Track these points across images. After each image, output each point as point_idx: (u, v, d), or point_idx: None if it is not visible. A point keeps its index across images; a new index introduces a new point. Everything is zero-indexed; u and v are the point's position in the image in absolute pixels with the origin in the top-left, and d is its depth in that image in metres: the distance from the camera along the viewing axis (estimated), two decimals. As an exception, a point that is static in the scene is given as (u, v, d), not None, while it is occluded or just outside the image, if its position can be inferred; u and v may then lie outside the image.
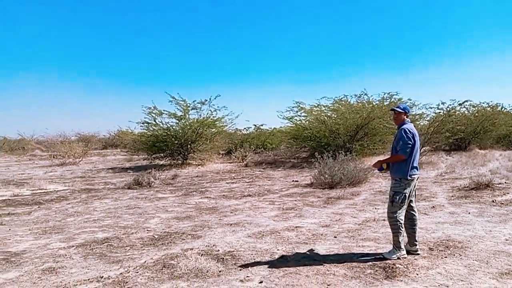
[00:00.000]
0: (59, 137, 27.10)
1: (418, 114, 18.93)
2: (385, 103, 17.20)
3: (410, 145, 4.11)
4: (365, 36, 61.83)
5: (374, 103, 16.61)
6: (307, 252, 4.50)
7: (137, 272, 3.96)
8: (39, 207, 8.01)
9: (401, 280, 3.54)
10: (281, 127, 22.66)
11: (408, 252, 4.23)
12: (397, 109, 4.38)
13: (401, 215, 4.17)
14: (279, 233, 5.45)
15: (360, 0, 60.21)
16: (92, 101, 63.93)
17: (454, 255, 4.23)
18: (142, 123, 16.83)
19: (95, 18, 58.65)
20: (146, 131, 17.25)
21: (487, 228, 5.33)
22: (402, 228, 4.18)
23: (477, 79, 57.17)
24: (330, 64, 63.05)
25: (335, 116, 16.84)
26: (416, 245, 4.28)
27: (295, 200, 8.10)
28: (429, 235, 5.04)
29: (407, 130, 4.17)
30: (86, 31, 58.37)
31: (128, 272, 3.97)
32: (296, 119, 17.85)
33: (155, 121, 16.68)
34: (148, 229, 5.90)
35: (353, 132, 15.88)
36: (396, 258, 4.08)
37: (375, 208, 6.94)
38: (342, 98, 17.58)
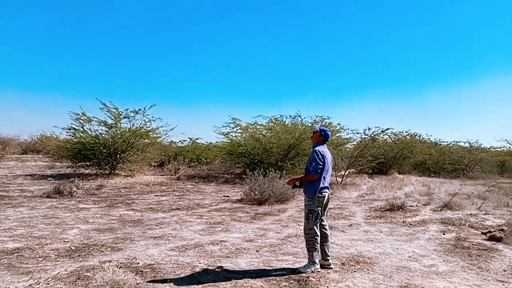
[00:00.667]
0: (-29, 138, 24.55)
1: (346, 138, 20.21)
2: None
3: (321, 166, 4.42)
4: (306, 67, 64.78)
5: (306, 125, 17.40)
6: (228, 266, 4.59)
7: (48, 284, 3.76)
8: None
9: (313, 292, 3.76)
10: (217, 142, 22.77)
11: (322, 266, 4.50)
12: (316, 126, 4.71)
13: (317, 231, 4.45)
14: (203, 247, 5.48)
15: (301, 34, 62.98)
16: (13, 103, 58.71)
17: (363, 270, 4.58)
18: (69, 129, 15.91)
19: (20, 22, 54.47)
20: (72, 138, 16.31)
21: (395, 246, 5.83)
22: (317, 244, 4.45)
23: (404, 110, 63.07)
24: (272, 92, 64.78)
25: (270, 135, 17.34)
26: (328, 260, 4.57)
27: (224, 215, 8.17)
28: (343, 251, 5.40)
29: (318, 152, 4.49)
30: (11, 34, 53.79)
31: (38, 284, 3.75)
32: (231, 135, 18.08)
33: (83, 127, 15.86)
34: (65, 240, 5.60)
35: (285, 151, 16.43)
36: (310, 272, 4.33)
37: (298, 225, 7.23)
38: (277, 117, 18.22)
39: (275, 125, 17.68)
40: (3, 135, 31.04)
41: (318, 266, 4.43)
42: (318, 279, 4.12)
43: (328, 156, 4.57)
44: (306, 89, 63.90)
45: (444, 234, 6.80)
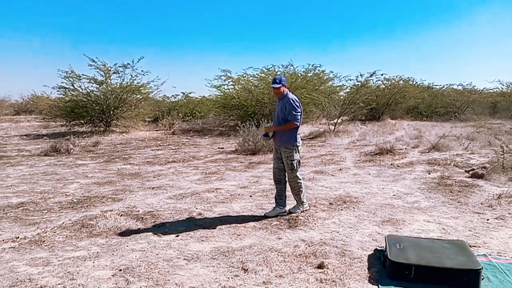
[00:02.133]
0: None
1: (338, 86, 20.19)
2: (309, 74, 18.08)
3: (300, 113, 4.54)
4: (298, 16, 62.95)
5: (298, 74, 17.32)
6: (224, 210, 4.88)
7: (55, 232, 4.03)
8: None
9: (301, 229, 4.07)
10: (210, 95, 22.68)
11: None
12: (275, 85, 4.60)
13: (300, 176, 4.64)
14: (199, 194, 5.77)
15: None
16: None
17: (349, 208, 4.89)
18: (59, 88, 15.78)
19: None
20: (64, 97, 16.22)
21: (381, 186, 6.15)
22: (302, 187, 4.67)
23: (401, 55, 63.01)
24: (265, 39, 63.33)
25: (262, 85, 17.30)
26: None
27: (219, 166, 8.44)
28: (332, 193, 5.70)
29: (295, 99, 4.55)
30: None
31: (46, 233, 4.02)
32: (224, 88, 18.03)
33: (73, 85, 15.73)
34: (67, 193, 5.86)
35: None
36: (300, 211, 4.63)
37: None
38: (269, 67, 18.08)
39: (266, 76, 17.59)
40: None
41: (307, 206, 4.73)
42: (306, 218, 4.43)
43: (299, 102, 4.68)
44: (297, 38, 62.56)
45: (429, 173, 7.11)
